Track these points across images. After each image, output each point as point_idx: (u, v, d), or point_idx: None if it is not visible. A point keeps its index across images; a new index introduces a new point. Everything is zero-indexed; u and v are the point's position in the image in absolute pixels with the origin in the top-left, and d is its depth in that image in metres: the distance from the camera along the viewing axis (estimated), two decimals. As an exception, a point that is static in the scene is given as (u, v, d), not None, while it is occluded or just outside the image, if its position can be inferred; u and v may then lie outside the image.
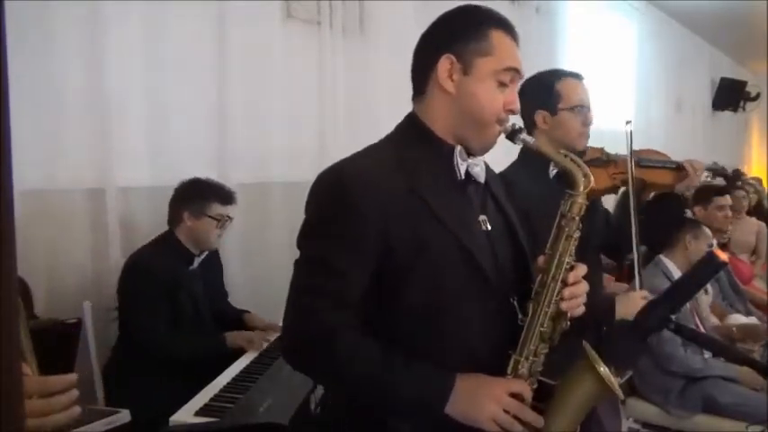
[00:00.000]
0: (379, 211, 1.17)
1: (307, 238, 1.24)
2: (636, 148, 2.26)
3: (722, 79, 9.53)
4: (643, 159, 2.23)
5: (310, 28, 3.46)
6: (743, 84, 9.69)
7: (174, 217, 2.57)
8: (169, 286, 2.45)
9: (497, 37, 1.25)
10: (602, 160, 2.20)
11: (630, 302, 1.84)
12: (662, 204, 2.22)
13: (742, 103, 9.81)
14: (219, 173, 2.99)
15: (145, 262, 2.44)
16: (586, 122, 2.03)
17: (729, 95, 9.59)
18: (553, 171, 2.00)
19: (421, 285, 1.19)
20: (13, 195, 0.49)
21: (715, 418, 2.87)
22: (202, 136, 2.98)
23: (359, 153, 1.28)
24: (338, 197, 1.19)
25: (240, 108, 3.07)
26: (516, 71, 1.27)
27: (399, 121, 1.35)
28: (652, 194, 2.34)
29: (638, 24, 7.42)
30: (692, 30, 8.58)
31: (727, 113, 9.88)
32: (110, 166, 2.60)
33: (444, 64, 1.24)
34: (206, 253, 2.64)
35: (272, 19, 3.26)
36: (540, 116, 1.99)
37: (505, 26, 1.28)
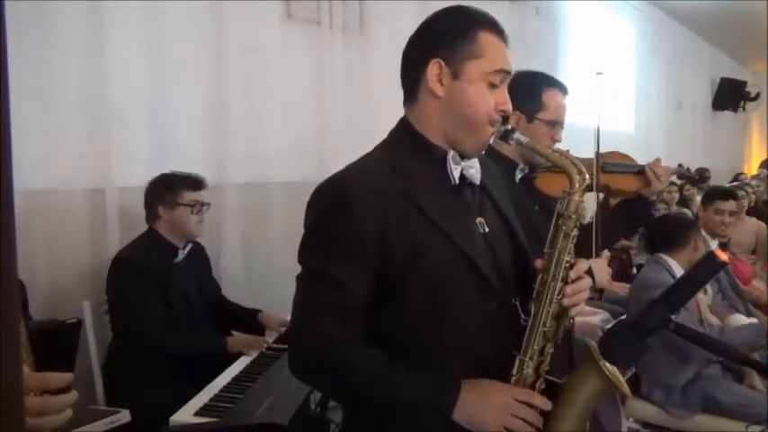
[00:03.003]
0: (376, 218, 1.17)
1: (306, 250, 1.24)
2: (607, 150, 2.21)
3: (722, 79, 9.55)
4: (607, 164, 2.13)
5: (310, 28, 3.46)
6: (743, 84, 9.70)
7: (151, 214, 2.59)
8: (158, 279, 2.46)
9: (486, 39, 1.24)
10: None
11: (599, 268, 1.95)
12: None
13: (742, 103, 9.83)
14: (219, 173, 2.99)
15: (132, 257, 2.45)
16: (556, 138, 1.97)
17: (729, 95, 9.61)
18: (519, 175, 1.98)
19: (419, 290, 1.19)
20: (13, 195, 0.49)
21: (715, 417, 2.87)
22: (202, 136, 2.99)
23: (354, 162, 1.27)
24: (336, 206, 1.19)
25: (240, 108, 3.07)
26: (506, 73, 1.26)
27: (398, 120, 1.34)
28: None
29: (638, 24, 7.43)
30: (692, 30, 8.59)
31: (727, 113, 9.90)
32: (109, 165, 2.60)
33: (433, 69, 1.23)
34: (190, 246, 2.65)
35: (272, 19, 3.26)
36: (515, 117, 1.91)
37: (494, 27, 1.26)
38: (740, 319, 3.51)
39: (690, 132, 8.82)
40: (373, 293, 1.19)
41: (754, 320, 3.55)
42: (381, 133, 1.33)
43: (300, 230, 1.27)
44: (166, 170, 2.63)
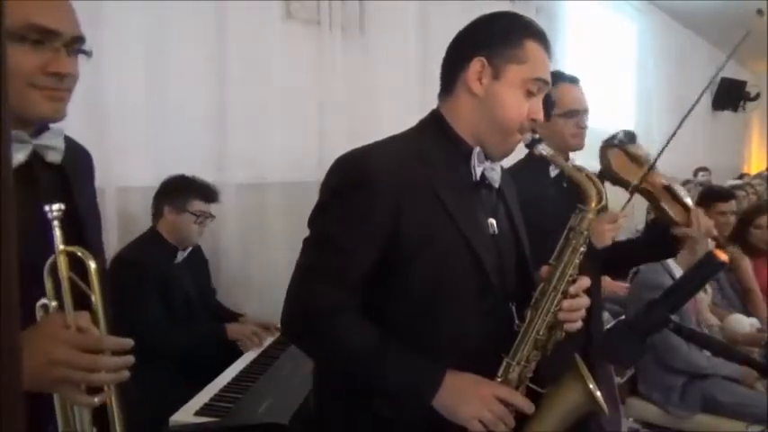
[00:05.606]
0: (393, 199, 1.19)
1: (318, 215, 1.27)
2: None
3: (722, 79, 9.52)
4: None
5: (310, 28, 3.46)
6: (743, 84, 9.69)
7: (157, 212, 2.60)
8: (158, 279, 2.47)
9: (532, 47, 1.27)
10: None
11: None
12: None
13: (742, 103, 9.81)
14: (219, 173, 2.99)
15: (132, 256, 2.46)
16: (580, 125, 2.04)
17: (729, 95, 9.59)
18: (554, 171, 2.01)
19: (423, 277, 1.21)
20: (13, 195, 0.49)
21: (715, 417, 2.87)
22: (202, 136, 2.98)
23: (381, 141, 1.30)
24: (355, 176, 1.22)
25: (240, 108, 3.07)
26: (545, 83, 1.29)
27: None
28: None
29: (639, 24, 7.42)
30: (692, 30, 8.58)
31: (727, 113, 9.88)
32: (109, 166, 2.59)
33: (476, 66, 1.26)
34: (190, 248, 2.66)
35: (272, 19, 3.25)
36: None
37: (542, 39, 1.30)
38: (740, 319, 3.51)
39: (690, 132, 8.79)
40: (375, 270, 1.20)
41: (753, 320, 3.56)
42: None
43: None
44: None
